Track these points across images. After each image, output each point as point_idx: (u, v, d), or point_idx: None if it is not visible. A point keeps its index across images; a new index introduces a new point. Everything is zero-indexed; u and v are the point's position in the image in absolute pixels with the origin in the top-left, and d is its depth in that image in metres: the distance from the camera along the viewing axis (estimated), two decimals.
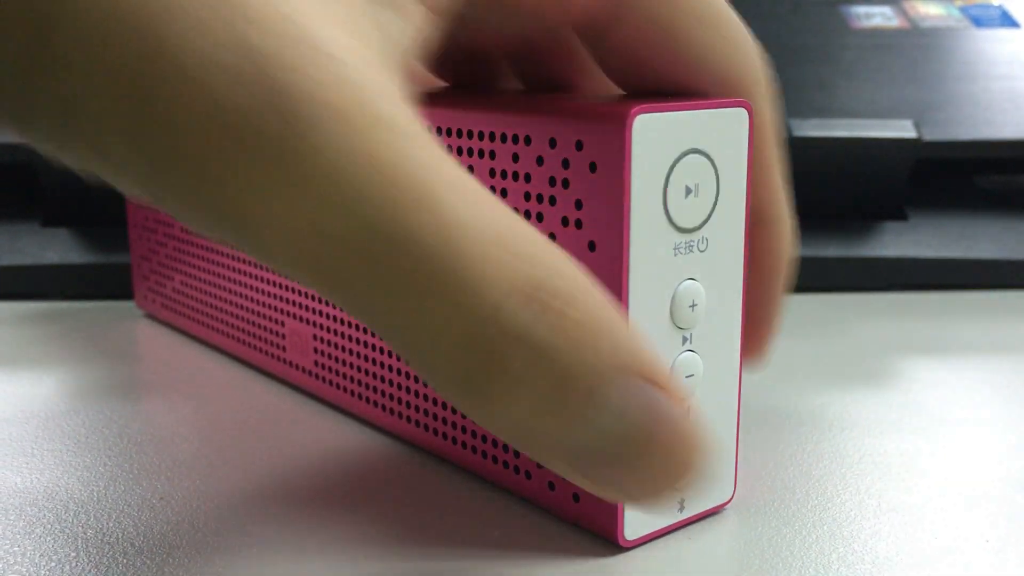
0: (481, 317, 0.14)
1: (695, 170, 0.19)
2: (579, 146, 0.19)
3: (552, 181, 0.20)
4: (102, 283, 0.40)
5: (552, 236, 0.20)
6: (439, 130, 0.22)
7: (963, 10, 0.53)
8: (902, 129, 0.42)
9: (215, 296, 0.32)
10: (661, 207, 0.19)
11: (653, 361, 0.15)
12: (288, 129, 0.14)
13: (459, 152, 0.22)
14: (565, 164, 0.19)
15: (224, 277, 0.32)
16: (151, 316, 0.38)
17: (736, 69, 0.20)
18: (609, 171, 0.19)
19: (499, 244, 0.15)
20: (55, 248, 0.41)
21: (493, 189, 0.21)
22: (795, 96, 0.46)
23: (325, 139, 0.14)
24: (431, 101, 0.23)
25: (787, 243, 0.23)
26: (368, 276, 0.14)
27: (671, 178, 0.19)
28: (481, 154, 0.21)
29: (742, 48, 0.20)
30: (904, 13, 0.52)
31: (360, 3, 0.16)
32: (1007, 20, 0.52)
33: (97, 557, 0.20)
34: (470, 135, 0.21)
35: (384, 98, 0.15)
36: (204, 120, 0.14)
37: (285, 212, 0.14)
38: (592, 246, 0.19)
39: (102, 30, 0.13)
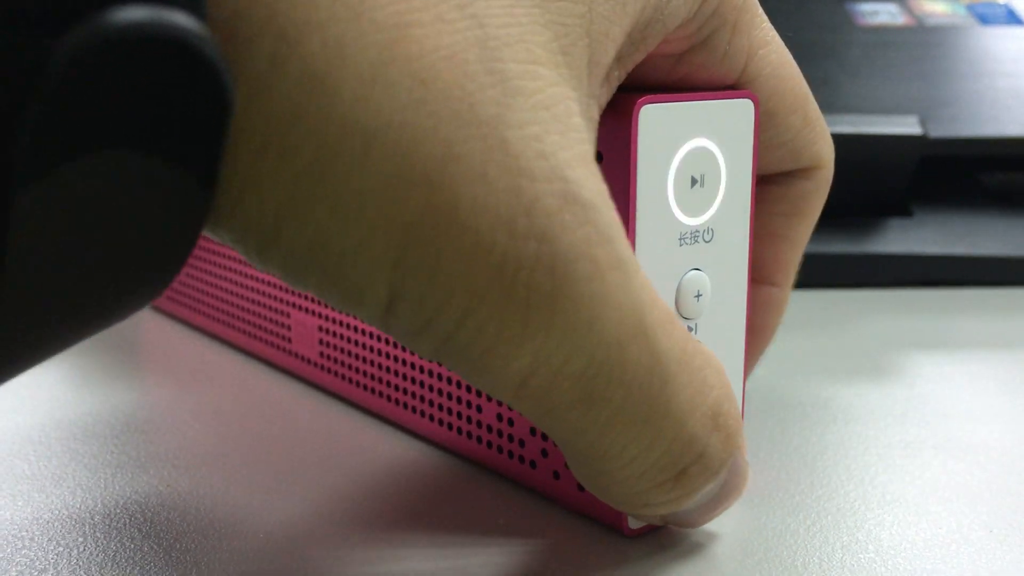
0: (682, 443, 0.17)
1: (701, 161, 0.20)
2: None
3: None
4: None
5: None
6: None
7: (969, 7, 0.53)
8: (907, 126, 0.42)
9: (220, 288, 0.33)
10: (667, 198, 0.19)
11: (741, 429, 0.18)
12: (554, 282, 0.14)
13: None
14: None
15: (229, 269, 0.32)
16: (156, 308, 0.38)
17: (813, 150, 0.22)
18: (615, 161, 0.19)
19: (690, 371, 0.17)
20: None
21: None
22: None
23: (584, 290, 0.15)
24: None
25: (781, 311, 0.24)
26: (587, 404, 0.16)
27: (677, 169, 0.19)
28: None
29: (821, 133, 0.22)
30: (910, 10, 0.52)
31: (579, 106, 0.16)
32: (1013, 18, 0.52)
33: (104, 542, 0.21)
34: None
35: (621, 240, 0.16)
36: (475, 265, 0.14)
37: (531, 352, 0.15)
38: None
39: (393, 185, 0.14)
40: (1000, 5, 0.53)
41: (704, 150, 0.20)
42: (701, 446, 0.17)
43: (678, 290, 0.20)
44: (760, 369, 0.30)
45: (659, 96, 0.19)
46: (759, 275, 0.23)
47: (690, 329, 0.20)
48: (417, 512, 0.22)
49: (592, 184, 0.15)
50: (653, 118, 0.19)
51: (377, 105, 0.13)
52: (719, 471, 0.18)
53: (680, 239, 0.20)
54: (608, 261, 0.15)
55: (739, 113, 0.20)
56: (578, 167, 0.15)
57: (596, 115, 0.17)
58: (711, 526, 0.21)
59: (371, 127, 0.13)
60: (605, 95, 0.17)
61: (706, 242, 0.20)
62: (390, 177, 0.14)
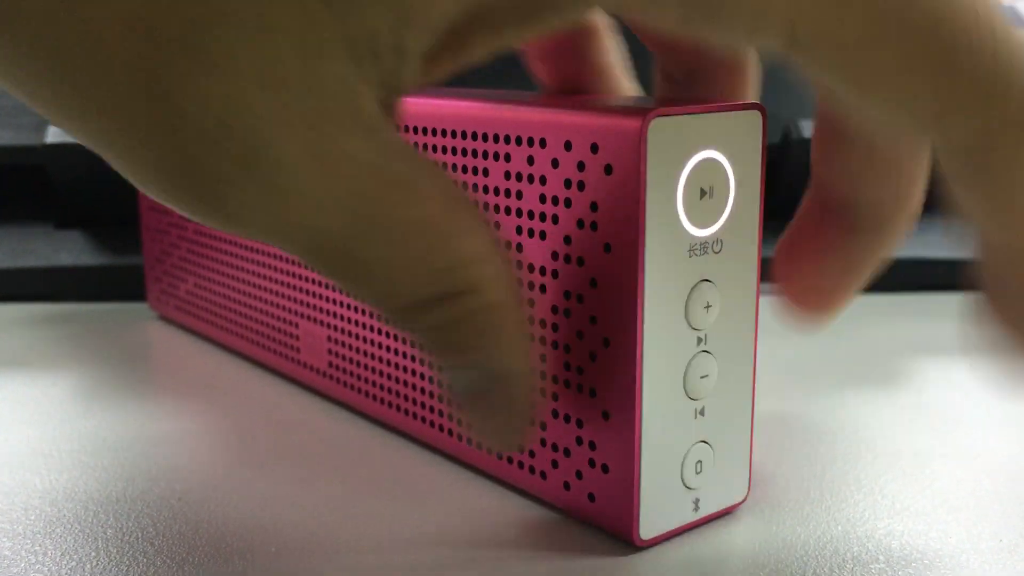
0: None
1: (710, 172, 0.20)
2: (594, 148, 0.19)
3: (568, 183, 0.20)
4: (115, 285, 0.40)
5: (567, 238, 0.20)
6: (454, 132, 0.22)
7: None
8: None
9: (228, 298, 0.33)
10: (676, 209, 0.19)
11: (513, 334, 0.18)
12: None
13: (474, 154, 0.22)
14: (580, 166, 0.20)
15: (237, 279, 0.32)
16: (164, 318, 0.38)
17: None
18: (624, 173, 0.19)
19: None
20: (68, 250, 0.41)
21: (508, 192, 0.21)
22: (804, 98, 0.46)
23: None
24: (448, 103, 0.23)
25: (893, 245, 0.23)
26: None
27: (686, 180, 0.19)
28: (496, 156, 0.21)
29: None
30: None
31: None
32: (1018, 21, 0.52)
33: (118, 556, 0.21)
34: (485, 137, 0.22)
35: None
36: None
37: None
38: (608, 248, 0.19)
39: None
40: (1004, 7, 0.53)
41: (713, 161, 0.20)
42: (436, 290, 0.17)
43: (687, 301, 0.20)
44: (765, 376, 0.30)
45: (668, 108, 0.19)
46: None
47: (699, 340, 0.20)
48: (427, 523, 0.22)
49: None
50: (662, 130, 0.19)
51: None
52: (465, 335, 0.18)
53: (689, 250, 0.20)
54: None
55: (747, 124, 0.20)
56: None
57: None
58: (720, 535, 0.21)
59: None
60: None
61: (715, 253, 0.20)
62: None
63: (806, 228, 0.22)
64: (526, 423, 0.20)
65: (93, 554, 0.21)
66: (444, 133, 0.23)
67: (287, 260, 0.29)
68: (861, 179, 0.20)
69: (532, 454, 0.22)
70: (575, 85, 0.23)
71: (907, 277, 0.42)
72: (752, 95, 0.22)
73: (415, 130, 0.23)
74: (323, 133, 0.16)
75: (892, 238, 0.22)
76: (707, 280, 0.20)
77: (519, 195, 0.21)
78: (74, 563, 0.20)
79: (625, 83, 0.24)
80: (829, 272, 0.22)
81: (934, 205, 0.45)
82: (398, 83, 0.16)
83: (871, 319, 0.38)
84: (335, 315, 0.28)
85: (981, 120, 0.16)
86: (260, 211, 0.16)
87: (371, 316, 0.26)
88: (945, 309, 0.40)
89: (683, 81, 0.22)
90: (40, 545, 0.21)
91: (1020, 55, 0.17)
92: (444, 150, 0.23)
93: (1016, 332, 0.20)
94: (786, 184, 0.42)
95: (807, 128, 0.41)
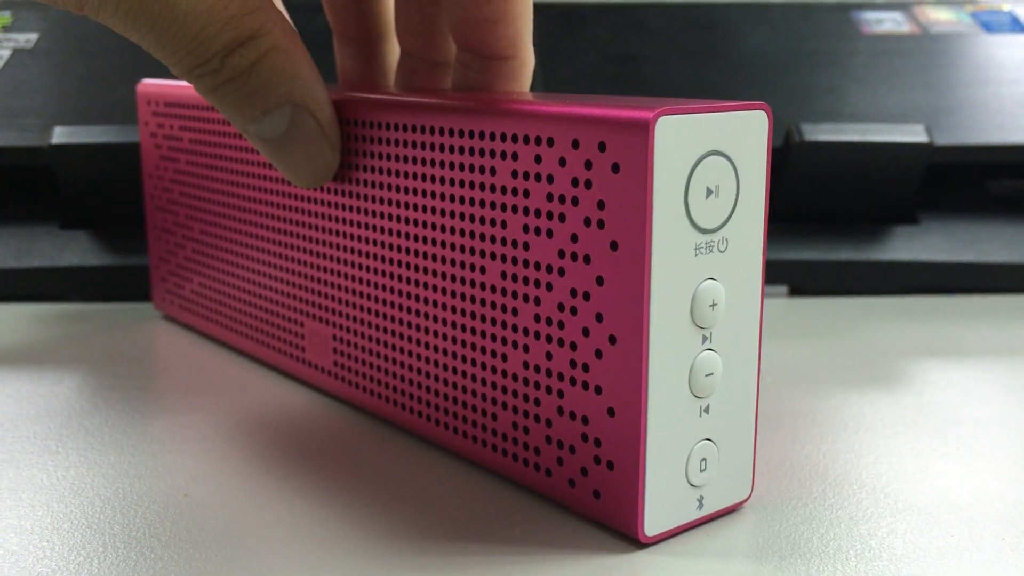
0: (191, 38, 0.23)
1: (716, 171, 0.20)
2: (602, 147, 0.19)
3: (575, 182, 0.20)
4: (120, 285, 0.41)
5: (574, 236, 0.20)
6: (461, 132, 0.22)
7: (973, 15, 0.53)
8: (914, 133, 0.42)
9: (233, 297, 0.33)
10: (682, 208, 0.19)
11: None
12: None
13: (481, 153, 0.22)
14: (588, 165, 0.20)
15: (242, 278, 0.32)
16: (169, 318, 0.38)
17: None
18: (632, 172, 0.19)
19: None
20: (73, 250, 0.41)
21: (515, 190, 0.21)
22: (807, 101, 0.46)
23: None
24: (455, 103, 0.23)
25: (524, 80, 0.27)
26: None
27: (692, 179, 0.19)
28: (504, 155, 0.22)
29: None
30: (915, 19, 0.53)
31: None
32: (1017, 25, 0.53)
33: (124, 552, 0.21)
34: (492, 136, 0.22)
35: None
36: None
37: None
38: (614, 246, 0.20)
39: None
40: (1005, 13, 0.53)
41: (719, 161, 0.20)
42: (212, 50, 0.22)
43: (693, 299, 0.20)
44: (768, 377, 0.30)
45: (675, 108, 0.19)
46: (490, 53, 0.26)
47: (704, 338, 0.20)
48: (432, 520, 0.22)
49: None
50: (669, 130, 0.19)
51: None
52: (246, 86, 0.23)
53: (696, 249, 0.20)
54: None
55: (753, 124, 0.20)
56: None
57: None
58: (725, 532, 0.21)
59: None
60: None
61: (721, 252, 0.20)
62: None
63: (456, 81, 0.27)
64: (335, 148, 0.25)
65: (100, 550, 0.21)
66: (452, 132, 0.23)
67: (292, 259, 0.29)
68: None
69: (537, 451, 0.22)
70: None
71: (908, 280, 0.42)
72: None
73: (422, 129, 0.24)
74: None
75: (519, 69, 0.26)
76: (712, 278, 0.20)
77: (526, 194, 0.21)
78: (81, 559, 0.20)
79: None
80: None
81: (934, 207, 0.46)
82: None
83: (873, 321, 0.38)
84: (340, 314, 0.28)
85: None
86: None
87: (376, 315, 0.26)
88: (946, 311, 0.40)
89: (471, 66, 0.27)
90: (48, 541, 0.21)
91: None
92: (452, 149, 0.23)
93: None
94: (789, 186, 0.42)
95: (809, 131, 0.41)
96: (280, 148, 0.25)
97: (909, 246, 0.43)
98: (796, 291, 0.42)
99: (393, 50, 0.30)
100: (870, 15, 0.53)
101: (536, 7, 0.26)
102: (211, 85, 0.23)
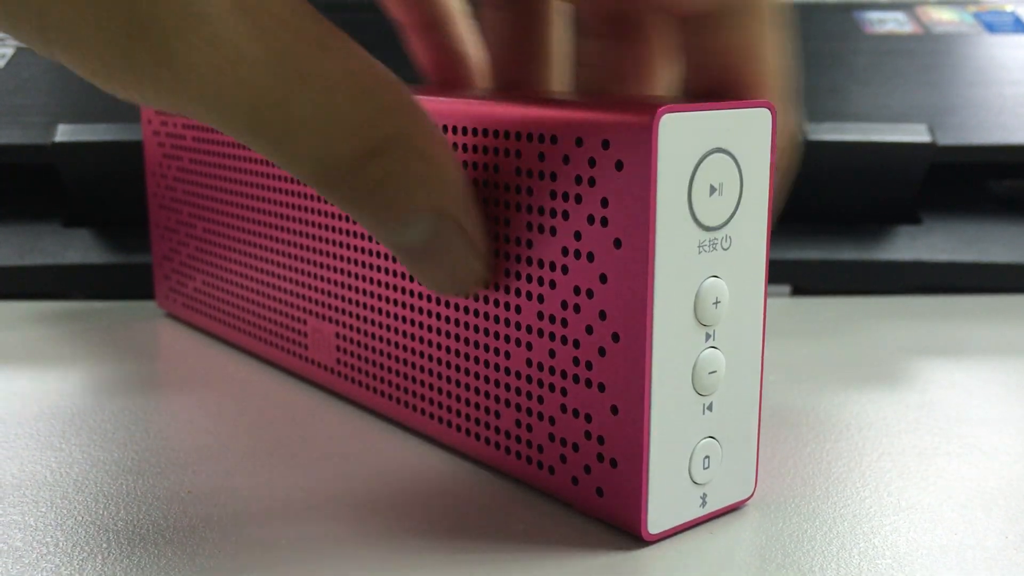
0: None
1: (719, 169, 0.20)
2: (605, 145, 0.19)
3: (578, 179, 0.20)
4: (123, 283, 0.41)
5: (578, 234, 0.20)
6: (465, 129, 0.23)
7: (976, 15, 0.53)
8: (916, 133, 0.42)
9: (236, 295, 0.33)
10: (686, 205, 0.19)
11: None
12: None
13: (485, 151, 0.22)
14: (591, 162, 0.20)
15: (245, 276, 0.32)
16: (172, 316, 0.38)
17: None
18: (635, 169, 0.19)
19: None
20: (77, 248, 0.41)
21: (519, 188, 0.21)
22: (809, 101, 0.46)
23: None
24: (458, 100, 0.23)
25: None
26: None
27: (696, 177, 0.19)
28: (507, 152, 0.22)
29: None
30: (917, 18, 0.53)
31: None
32: (1020, 26, 0.53)
33: (128, 548, 0.21)
34: (496, 134, 0.22)
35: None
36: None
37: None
38: (618, 243, 0.20)
39: None
40: (1007, 13, 0.53)
41: (723, 158, 0.20)
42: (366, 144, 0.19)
43: (696, 297, 0.20)
44: (771, 376, 0.30)
45: (679, 106, 0.19)
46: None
47: (708, 336, 0.20)
48: (435, 518, 0.22)
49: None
50: (673, 127, 0.19)
51: None
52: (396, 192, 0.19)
53: (699, 246, 0.20)
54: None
55: (756, 121, 0.20)
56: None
57: None
58: (728, 530, 0.21)
59: None
60: None
61: (724, 249, 0.20)
62: None
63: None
64: (484, 259, 0.22)
65: (104, 546, 0.21)
66: (455, 130, 0.23)
67: (295, 257, 0.29)
68: None
69: (540, 449, 0.22)
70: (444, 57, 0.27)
71: (910, 279, 0.42)
72: (669, 62, 0.23)
73: None
74: None
75: None
76: (716, 276, 0.20)
77: (529, 191, 0.21)
78: (85, 554, 0.21)
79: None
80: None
81: (936, 207, 0.45)
82: None
83: (876, 321, 0.38)
84: (343, 312, 0.28)
85: None
86: (203, 65, 0.17)
87: (379, 313, 0.26)
88: (948, 311, 0.40)
89: (601, 35, 0.24)
90: (51, 537, 0.21)
91: None
92: (455, 147, 0.23)
93: None
94: (792, 186, 0.42)
95: (812, 131, 0.41)
96: (421, 259, 0.21)
97: (911, 246, 0.43)
98: (798, 291, 0.42)
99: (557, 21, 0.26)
100: (872, 15, 0.53)
101: None
102: (339, 196, 0.20)
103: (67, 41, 0.17)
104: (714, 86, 0.22)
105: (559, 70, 0.26)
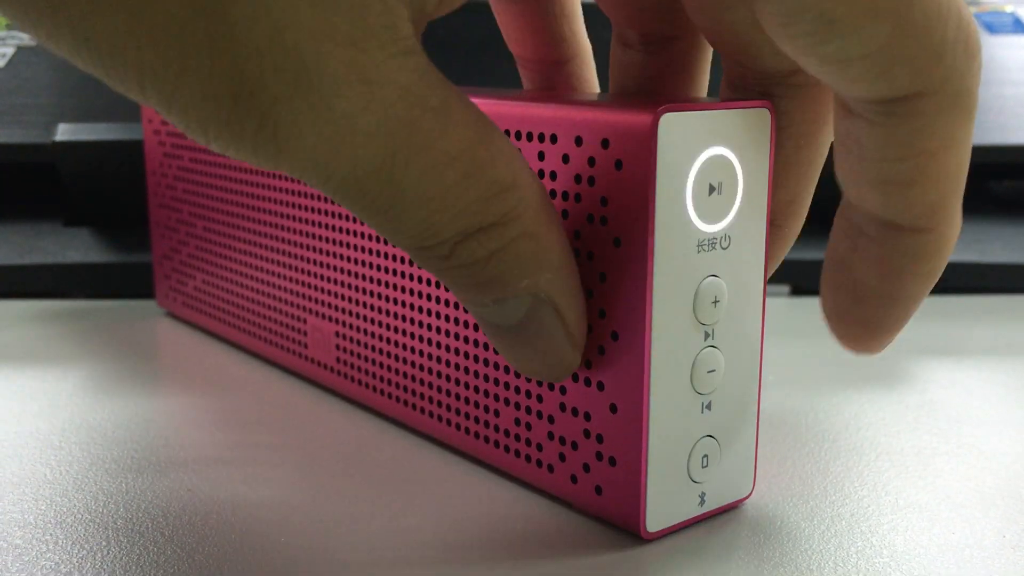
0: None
1: (719, 169, 0.20)
2: (605, 144, 0.19)
3: (578, 178, 0.20)
4: (123, 282, 0.41)
5: (577, 233, 0.20)
6: None
7: (976, 16, 0.53)
8: None
9: (236, 294, 0.33)
10: (685, 205, 0.19)
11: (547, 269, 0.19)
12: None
13: None
14: (591, 162, 0.20)
15: (245, 275, 0.32)
16: (172, 315, 0.38)
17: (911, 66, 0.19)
18: (634, 169, 0.19)
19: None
20: (77, 247, 0.41)
21: None
22: None
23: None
24: None
25: (930, 257, 0.21)
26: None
27: (695, 176, 0.19)
28: None
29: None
30: None
31: None
32: (1019, 27, 0.53)
33: (128, 546, 0.21)
34: None
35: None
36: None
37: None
38: (617, 242, 0.20)
39: None
40: (1007, 14, 0.54)
41: (722, 158, 0.20)
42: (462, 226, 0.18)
43: (695, 296, 0.20)
44: (770, 376, 0.30)
45: (679, 105, 0.19)
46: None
47: (706, 335, 0.21)
48: (435, 516, 0.22)
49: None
50: (672, 127, 0.19)
51: None
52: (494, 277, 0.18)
53: (698, 246, 0.20)
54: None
55: (756, 122, 0.20)
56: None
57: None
58: (726, 528, 0.21)
59: None
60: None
61: (723, 249, 0.20)
62: None
63: (842, 253, 0.20)
64: (578, 348, 0.20)
65: (104, 543, 0.21)
66: None
67: (295, 256, 0.29)
68: (891, 188, 0.19)
69: (540, 447, 0.22)
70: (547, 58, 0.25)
71: None
72: (705, 69, 0.23)
73: None
74: (366, 51, 0.16)
75: (933, 247, 0.20)
76: (715, 275, 0.20)
77: None
78: (85, 551, 0.21)
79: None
80: (875, 299, 0.20)
81: None
82: (425, 5, 0.17)
83: None
84: (343, 311, 0.28)
85: (925, 74, 0.17)
86: (310, 134, 0.16)
87: (379, 312, 0.26)
88: (947, 311, 0.40)
89: (639, 47, 0.23)
90: (51, 534, 0.21)
91: (957, 15, 0.17)
92: None
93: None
94: None
95: None
96: (512, 339, 0.20)
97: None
98: (797, 291, 0.42)
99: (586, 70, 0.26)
100: None
101: None
102: (437, 268, 0.19)
103: (170, 93, 0.16)
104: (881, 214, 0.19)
105: (587, 69, 0.26)
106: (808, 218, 0.23)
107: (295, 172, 0.17)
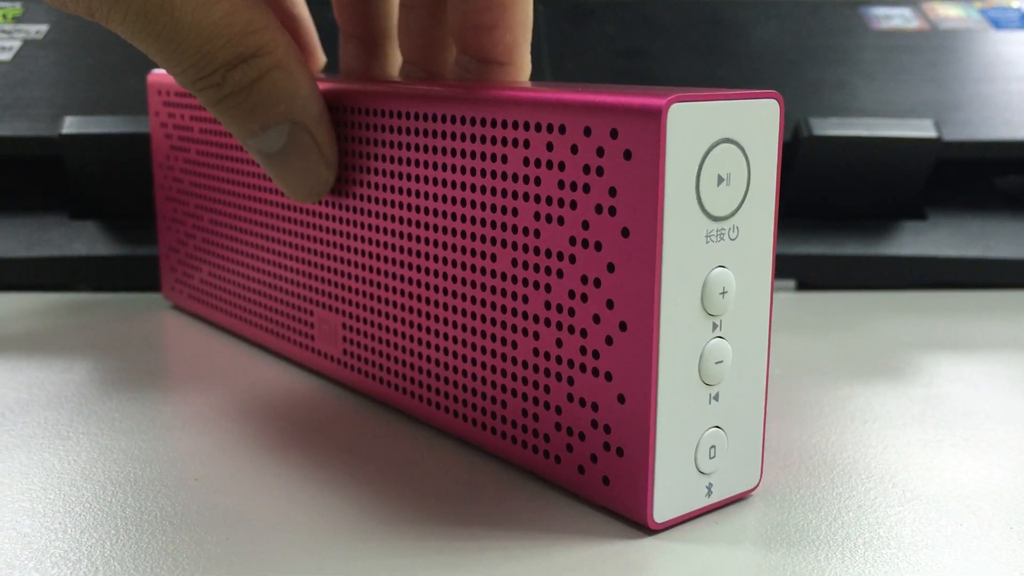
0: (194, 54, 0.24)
1: (727, 159, 0.20)
2: (614, 134, 0.19)
3: (586, 169, 0.20)
4: (130, 275, 0.41)
5: (586, 223, 0.20)
6: (473, 120, 0.23)
7: (982, 12, 0.53)
8: (922, 129, 0.42)
9: (243, 287, 0.33)
10: (694, 195, 0.19)
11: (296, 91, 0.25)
12: None
13: (493, 141, 0.22)
14: (599, 152, 0.20)
15: (251, 267, 0.32)
16: (178, 307, 0.38)
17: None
18: (643, 159, 0.19)
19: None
20: (83, 240, 0.41)
21: (527, 178, 0.22)
22: (815, 96, 0.46)
23: None
24: (467, 91, 0.23)
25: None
26: None
27: (704, 167, 0.19)
28: (515, 143, 0.22)
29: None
30: (923, 14, 0.53)
31: None
32: (1020, 21, 0.52)
33: (136, 535, 0.21)
34: (504, 124, 0.22)
35: None
36: None
37: None
38: (625, 233, 0.20)
39: None
40: (1014, 9, 0.53)
41: (730, 149, 0.20)
42: (215, 66, 0.23)
43: (704, 287, 0.20)
44: (777, 369, 0.30)
45: (688, 95, 0.19)
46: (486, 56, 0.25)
47: (714, 326, 0.21)
48: (441, 507, 0.22)
49: None
50: (682, 117, 0.19)
51: None
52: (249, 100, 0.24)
53: (707, 236, 0.20)
54: None
55: (765, 112, 0.20)
56: None
57: None
58: (733, 520, 0.21)
59: None
60: None
61: (731, 240, 0.20)
62: None
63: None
64: (331, 166, 0.26)
65: (112, 532, 0.21)
66: (464, 120, 0.23)
67: (301, 248, 0.29)
68: None
69: (547, 438, 0.22)
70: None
71: (915, 275, 0.42)
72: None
73: (433, 117, 0.24)
74: None
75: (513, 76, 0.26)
76: (723, 266, 0.20)
77: (537, 181, 0.21)
78: (93, 540, 0.21)
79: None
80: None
81: (942, 203, 0.45)
82: None
83: (880, 316, 0.38)
84: (350, 302, 0.28)
85: None
86: None
87: (386, 303, 0.26)
88: (953, 306, 0.40)
89: (415, 5, 0.28)
90: (60, 523, 0.21)
91: None
92: (463, 137, 0.23)
93: None
94: (797, 180, 0.43)
95: (818, 126, 0.41)
96: (277, 163, 0.26)
97: (916, 241, 0.43)
98: (804, 285, 0.42)
99: (395, 52, 0.30)
100: (878, 11, 0.53)
101: (545, 1, 0.26)
102: (213, 98, 0.24)
103: None
104: (472, 52, 0.25)
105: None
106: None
107: (100, 14, 0.22)
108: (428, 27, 0.28)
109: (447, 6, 0.26)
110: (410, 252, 0.25)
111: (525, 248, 0.22)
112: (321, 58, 0.31)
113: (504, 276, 0.23)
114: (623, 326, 0.20)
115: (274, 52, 0.24)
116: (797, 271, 0.42)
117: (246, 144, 0.25)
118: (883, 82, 0.47)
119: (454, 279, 0.24)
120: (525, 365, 0.23)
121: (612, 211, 0.20)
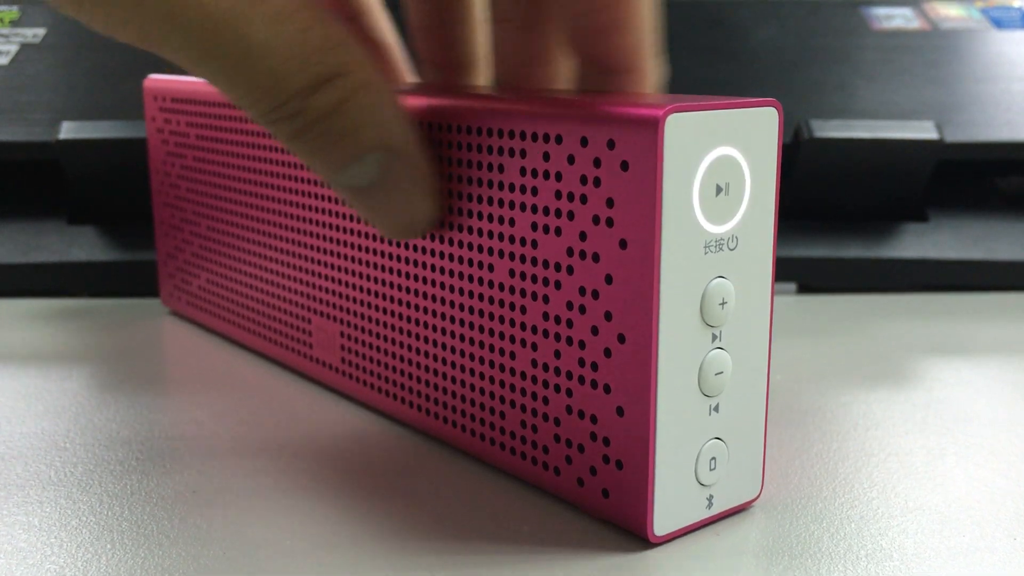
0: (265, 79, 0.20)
1: (726, 169, 0.20)
2: (611, 145, 0.19)
3: (583, 179, 0.20)
4: (127, 281, 0.41)
5: (583, 234, 0.20)
6: (469, 128, 0.22)
7: (984, 12, 0.53)
8: (923, 130, 0.42)
9: (241, 293, 0.33)
10: (692, 206, 0.19)
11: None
12: None
13: (489, 151, 0.22)
14: (596, 163, 0.20)
15: (250, 275, 0.32)
16: (176, 314, 0.38)
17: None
18: (641, 170, 0.19)
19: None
20: (81, 246, 0.41)
21: (524, 188, 0.21)
22: (816, 97, 0.46)
23: None
24: (463, 100, 0.23)
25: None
26: None
27: (702, 177, 0.19)
28: (512, 153, 0.21)
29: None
30: (924, 14, 0.52)
31: None
32: (1020, 21, 0.52)
33: (133, 548, 0.21)
34: (500, 134, 0.22)
35: None
36: None
37: None
38: (623, 244, 0.19)
39: None
40: (1015, 9, 0.53)
41: (729, 158, 0.20)
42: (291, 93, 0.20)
43: (703, 298, 0.20)
44: (777, 375, 0.30)
45: (685, 105, 0.19)
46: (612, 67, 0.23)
47: (714, 337, 0.20)
48: (441, 518, 0.22)
49: None
50: (679, 127, 0.19)
51: None
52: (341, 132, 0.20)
53: (705, 247, 0.20)
54: None
55: (763, 121, 0.20)
56: None
57: None
58: (734, 531, 0.21)
59: None
60: None
61: (730, 250, 0.20)
62: None
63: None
64: (433, 197, 0.23)
65: (108, 546, 0.21)
66: (460, 129, 0.23)
67: (300, 255, 0.29)
68: None
69: (546, 449, 0.22)
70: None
71: (917, 277, 0.42)
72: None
73: (430, 126, 0.23)
74: None
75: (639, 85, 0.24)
76: (722, 277, 0.20)
77: (535, 191, 0.21)
78: (89, 555, 0.20)
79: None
80: None
81: (943, 204, 0.45)
82: None
83: (882, 319, 0.38)
84: (348, 311, 0.28)
85: None
86: None
87: (384, 313, 0.26)
88: (955, 309, 0.40)
89: (508, 20, 0.26)
90: (55, 537, 0.21)
91: None
92: (460, 146, 0.23)
93: None
94: (798, 183, 0.42)
95: (819, 127, 0.41)
96: (370, 198, 0.22)
97: (918, 243, 0.42)
98: (805, 288, 0.42)
99: (478, 78, 0.28)
100: (879, 11, 0.52)
101: None
102: (292, 130, 0.20)
103: None
104: (591, 60, 0.23)
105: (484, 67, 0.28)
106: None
107: (156, 29, 0.19)
108: (524, 42, 0.25)
109: (552, 12, 0.23)
110: (407, 262, 0.25)
111: (523, 259, 0.22)
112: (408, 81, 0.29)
113: (502, 287, 0.22)
114: (621, 338, 0.20)
115: (358, 70, 0.20)
116: (798, 274, 0.42)
117: (332, 181, 0.21)
118: (884, 82, 0.47)
119: (452, 289, 0.24)
120: (523, 376, 0.22)
121: (610, 222, 0.20)
